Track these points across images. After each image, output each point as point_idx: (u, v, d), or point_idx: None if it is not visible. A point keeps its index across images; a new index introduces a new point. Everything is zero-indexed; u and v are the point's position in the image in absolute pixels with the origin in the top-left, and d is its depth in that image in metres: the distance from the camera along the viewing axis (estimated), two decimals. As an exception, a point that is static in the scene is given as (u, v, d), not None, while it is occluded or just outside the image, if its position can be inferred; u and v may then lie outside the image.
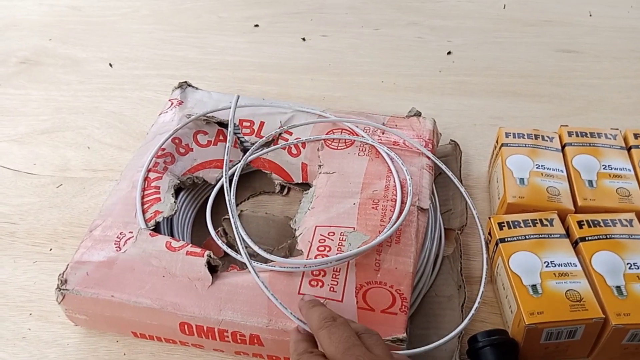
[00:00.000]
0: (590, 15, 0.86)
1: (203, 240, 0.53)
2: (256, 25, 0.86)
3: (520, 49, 0.79)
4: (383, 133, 0.57)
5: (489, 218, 0.48)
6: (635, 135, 0.54)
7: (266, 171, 0.58)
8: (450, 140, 0.61)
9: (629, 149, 0.54)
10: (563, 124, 0.57)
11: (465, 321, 0.44)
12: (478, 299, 0.44)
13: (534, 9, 0.87)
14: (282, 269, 0.44)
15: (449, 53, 0.77)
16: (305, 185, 0.56)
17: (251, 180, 0.60)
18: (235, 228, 0.46)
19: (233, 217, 0.47)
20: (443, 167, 0.54)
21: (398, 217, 0.47)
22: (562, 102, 0.69)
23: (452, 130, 0.65)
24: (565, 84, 0.72)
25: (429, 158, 0.54)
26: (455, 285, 0.49)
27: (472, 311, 0.44)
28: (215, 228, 0.49)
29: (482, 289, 0.45)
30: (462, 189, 0.53)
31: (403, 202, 0.49)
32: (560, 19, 0.85)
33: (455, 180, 0.54)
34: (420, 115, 0.60)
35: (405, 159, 0.53)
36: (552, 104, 0.69)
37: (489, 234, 0.49)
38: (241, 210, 0.55)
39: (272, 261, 0.45)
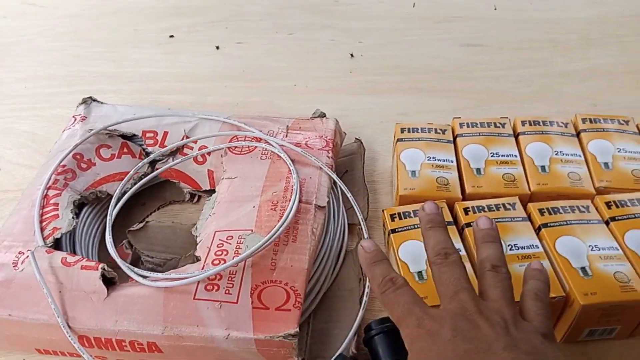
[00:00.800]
0: (495, 9, 0.89)
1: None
2: (171, 36, 0.87)
3: (429, 46, 0.82)
4: (286, 136, 0.58)
5: (382, 211, 0.50)
6: (523, 122, 0.58)
7: (174, 180, 0.59)
8: (355, 138, 0.63)
9: (516, 137, 0.57)
10: (465, 115, 0.60)
11: (360, 312, 0.46)
12: (366, 291, 0.46)
13: (443, 6, 0.91)
14: (174, 283, 0.44)
15: (352, 56, 0.79)
16: (214, 192, 0.57)
17: (161, 190, 0.60)
18: (111, 246, 0.47)
19: (109, 236, 0.48)
20: (328, 170, 0.56)
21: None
22: (466, 94, 0.72)
23: (360, 128, 0.67)
24: (469, 77, 0.75)
25: (329, 157, 0.56)
26: (356, 278, 0.51)
27: (363, 303, 0.46)
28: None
29: (367, 282, 0.47)
30: (342, 186, 0.55)
31: (301, 202, 0.50)
32: (467, 15, 0.88)
33: (336, 179, 0.55)
34: (324, 116, 0.62)
35: (306, 160, 0.55)
36: (456, 97, 0.72)
37: (384, 225, 0.50)
38: (147, 222, 0.55)
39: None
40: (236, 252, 0.46)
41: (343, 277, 0.51)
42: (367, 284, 0.48)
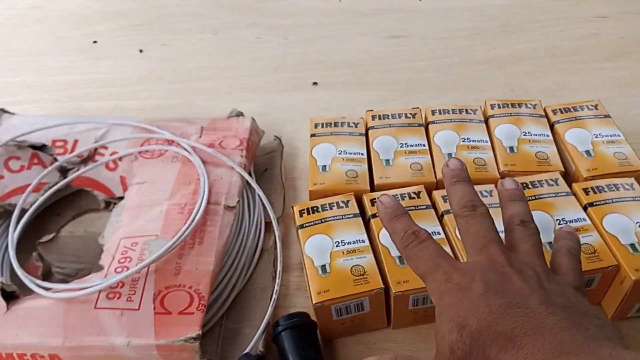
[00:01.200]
0: (420, 0, 0.90)
1: (24, 265, 0.52)
2: (95, 42, 0.85)
3: (353, 40, 0.82)
4: (200, 137, 0.58)
5: (292, 207, 0.50)
6: (433, 112, 0.58)
7: (87, 189, 0.58)
8: (275, 136, 0.63)
9: (426, 126, 0.57)
10: (387, 107, 0.60)
11: (269, 310, 0.46)
12: (276, 288, 0.46)
13: (369, -1, 0.91)
14: (74, 294, 0.43)
15: (277, 53, 0.79)
16: (128, 198, 0.57)
17: (76, 199, 0.59)
18: (13, 259, 0.46)
19: (12, 249, 0.47)
20: (240, 170, 0.56)
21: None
22: (388, 86, 0.73)
23: (283, 125, 0.67)
24: (392, 69, 0.76)
25: (242, 156, 0.56)
26: (270, 276, 0.51)
27: (272, 300, 0.46)
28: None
29: (278, 280, 0.47)
30: (254, 185, 0.55)
31: (210, 203, 0.50)
32: (392, 7, 0.89)
33: (248, 178, 0.55)
34: (241, 115, 0.62)
35: (218, 160, 0.54)
36: (377, 90, 0.72)
37: (294, 221, 0.51)
38: (58, 232, 0.54)
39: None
40: (140, 258, 0.45)
41: (257, 275, 0.51)
42: (279, 281, 0.49)
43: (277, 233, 0.51)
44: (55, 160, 0.57)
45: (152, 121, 0.59)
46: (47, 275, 0.52)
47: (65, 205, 0.59)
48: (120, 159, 0.56)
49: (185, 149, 0.55)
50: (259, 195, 0.55)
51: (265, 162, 0.62)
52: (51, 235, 0.53)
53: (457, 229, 0.38)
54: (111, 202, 0.59)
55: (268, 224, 0.55)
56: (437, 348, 0.32)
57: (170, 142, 0.57)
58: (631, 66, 0.72)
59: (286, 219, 0.55)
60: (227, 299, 0.48)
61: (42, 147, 0.57)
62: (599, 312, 0.31)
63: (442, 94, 0.71)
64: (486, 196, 0.49)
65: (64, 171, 0.57)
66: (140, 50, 0.82)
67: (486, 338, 0.29)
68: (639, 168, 0.50)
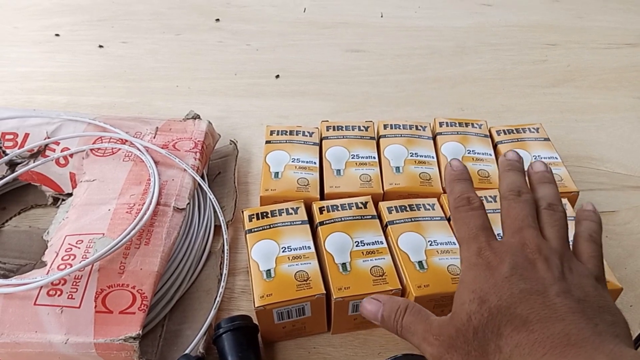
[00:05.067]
0: (382, 17, 0.93)
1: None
2: (57, 35, 0.84)
3: (314, 51, 0.84)
4: (155, 137, 0.58)
5: (242, 211, 0.51)
6: (385, 126, 0.60)
7: (35, 184, 0.57)
8: (230, 140, 0.64)
9: (378, 139, 0.59)
10: (341, 118, 0.62)
11: (212, 312, 0.46)
12: (220, 291, 0.47)
13: (332, 11, 0.93)
14: (13, 289, 0.43)
15: (239, 58, 0.79)
16: (77, 195, 0.56)
17: (23, 194, 0.58)
18: None
19: None
20: (193, 172, 0.56)
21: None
22: (344, 98, 0.75)
23: (240, 130, 0.68)
24: (350, 81, 0.78)
25: (196, 159, 0.56)
26: (216, 279, 0.51)
27: (216, 303, 0.46)
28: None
29: (223, 282, 0.48)
30: (205, 188, 0.55)
31: (159, 204, 0.50)
32: (354, 21, 0.91)
33: (199, 181, 0.56)
34: (197, 118, 0.62)
35: (171, 162, 0.55)
36: (334, 101, 0.74)
37: (243, 226, 0.51)
38: (1, 227, 0.53)
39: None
40: (84, 256, 0.45)
41: (203, 278, 0.52)
42: (224, 284, 0.49)
43: (225, 237, 0.52)
44: (5, 153, 0.56)
45: (107, 119, 0.59)
46: (-12, 270, 0.51)
47: (12, 200, 0.58)
48: (71, 155, 0.56)
49: (138, 149, 0.55)
50: (210, 199, 0.55)
51: (219, 166, 0.63)
52: (-5, 229, 0.52)
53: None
54: (59, 199, 0.58)
55: (218, 227, 0.55)
56: (454, 310, 0.34)
57: (123, 141, 0.57)
58: (574, 93, 0.77)
59: (236, 223, 0.56)
60: (170, 300, 0.48)
61: (-11, 140, 0.56)
62: (615, 307, 0.33)
63: (396, 108, 0.73)
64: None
65: (12, 165, 0.56)
66: (100, 46, 0.81)
67: (503, 317, 0.32)
68: (573, 190, 0.54)
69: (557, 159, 0.57)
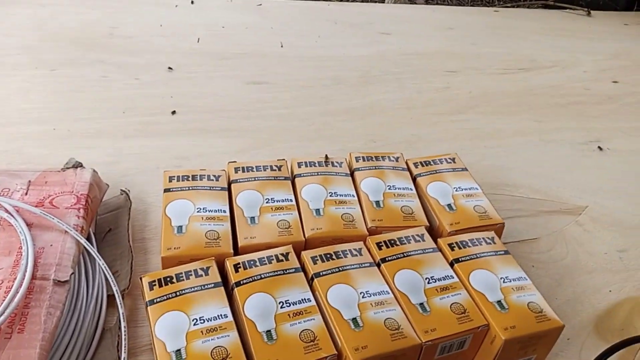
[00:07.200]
0: (282, 46, 0.89)
1: None
2: None
3: (212, 83, 0.77)
4: (26, 193, 0.48)
5: (140, 278, 0.43)
6: (299, 164, 0.55)
7: None
8: (121, 190, 0.55)
9: (292, 179, 0.54)
10: (250, 156, 0.56)
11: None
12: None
13: (228, 41, 0.88)
14: None
15: (126, 95, 0.71)
16: None
17: None
18: None
19: None
20: (76, 234, 0.47)
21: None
22: (251, 134, 0.69)
23: (133, 176, 0.60)
24: (255, 115, 0.72)
25: (79, 217, 0.47)
26: (114, 362, 0.43)
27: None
28: None
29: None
30: (93, 252, 0.47)
31: (35, 278, 0.41)
32: (253, 51, 0.86)
33: (85, 244, 0.47)
34: (80, 166, 0.53)
35: (48, 223, 0.45)
36: (241, 137, 0.68)
37: (142, 296, 0.43)
38: None
39: None
40: None
41: (98, 361, 0.43)
42: (124, 369, 0.41)
43: (121, 310, 0.43)
44: None
45: (-38, 174, 0.49)
46: None
47: None
48: None
49: (6, 210, 0.45)
50: (99, 264, 0.46)
51: (109, 221, 0.53)
52: None
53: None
54: None
55: (112, 298, 0.46)
56: None
57: (-16, 201, 0.46)
58: (479, 119, 0.77)
59: (135, 289, 0.48)
60: (56, 397, 0.39)
61: None
62: None
63: (307, 143, 0.68)
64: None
65: None
66: (-45, 86, 0.69)
67: None
68: (498, 221, 0.52)
69: (477, 189, 0.56)
